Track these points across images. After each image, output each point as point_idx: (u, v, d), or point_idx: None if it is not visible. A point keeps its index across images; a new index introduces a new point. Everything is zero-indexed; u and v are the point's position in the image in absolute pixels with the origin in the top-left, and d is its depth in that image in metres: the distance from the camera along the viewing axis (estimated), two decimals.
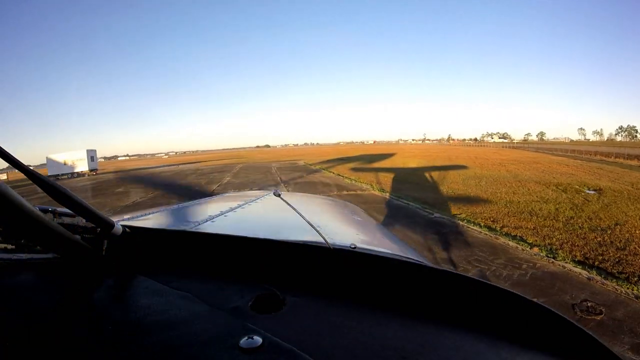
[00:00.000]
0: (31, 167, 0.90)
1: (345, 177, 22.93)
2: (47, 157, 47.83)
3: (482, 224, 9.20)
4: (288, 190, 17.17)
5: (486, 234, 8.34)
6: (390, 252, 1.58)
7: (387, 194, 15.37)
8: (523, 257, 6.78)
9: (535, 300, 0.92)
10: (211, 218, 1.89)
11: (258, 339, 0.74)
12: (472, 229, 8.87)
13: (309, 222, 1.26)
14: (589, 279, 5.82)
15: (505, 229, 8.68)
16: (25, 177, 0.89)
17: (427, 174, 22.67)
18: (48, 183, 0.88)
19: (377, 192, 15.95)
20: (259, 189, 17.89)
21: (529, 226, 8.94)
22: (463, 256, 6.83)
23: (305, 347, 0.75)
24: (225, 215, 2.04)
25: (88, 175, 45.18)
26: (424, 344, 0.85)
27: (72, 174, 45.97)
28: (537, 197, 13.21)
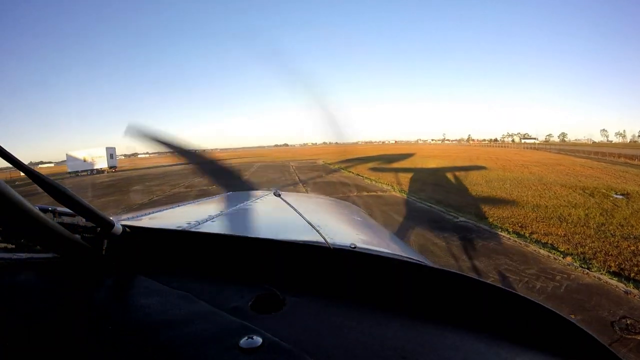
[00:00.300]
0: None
1: (365, 177, 22.73)
2: (66, 154, 48.76)
3: (510, 230, 8.92)
4: (306, 191, 17.09)
5: (515, 241, 8.07)
6: (390, 252, 1.57)
7: (409, 195, 15.16)
8: (556, 267, 6.51)
9: (535, 300, 0.93)
10: (211, 218, 1.88)
11: (258, 339, 0.74)
12: (500, 234, 8.60)
13: (309, 222, 1.28)
14: (626, 292, 5.55)
15: (534, 236, 8.38)
16: (25, 176, 0.88)
17: (449, 175, 22.37)
18: (48, 182, 0.88)
19: (398, 194, 15.73)
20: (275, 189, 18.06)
21: (559, 233, 8.65)
22: (493, 265, 6.58)
23: (305, 347, 0.75)
24: (226, 215, 2.05)
25: (107, 172, 45.76)
26: (424, 344, 0.85)
27: (92, 170, 46.72)
28: (564, 201, 12.85)
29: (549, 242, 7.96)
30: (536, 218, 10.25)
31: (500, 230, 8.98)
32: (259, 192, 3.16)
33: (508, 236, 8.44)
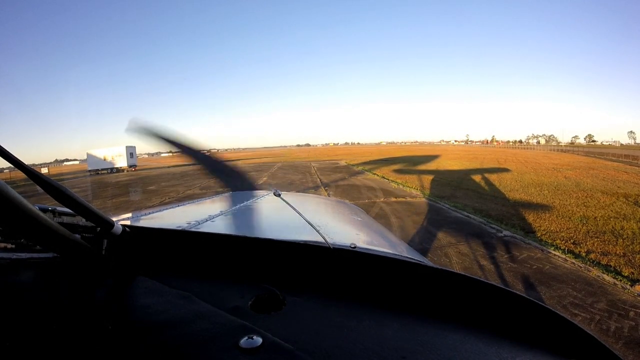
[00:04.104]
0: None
1: (391, 180, 21.88)
2: (87, 153, 50.36)
3: (563, 247, 7.89)
4: (329, 195, 16.39)
5: (573, 263, 7.04)
6: (390, 252, 1.57)
7: (442, 202, 14.16)
8: (627, 300, 5.50)
9: (535, 300, 0.93)
10: (211, 218, 1.88)
11: (258, 339, 0.73)
12: (553, 254, 7.57)
13: (309, 222, 1.32)
14: None
15: (592, 256, 7.34)
16: (26, 176, 0.87)
17: (479, 179, 21.37)
18: (48, 182, 0.87)
19: (428, 200, 14.78)
20: (299, 191, 17.35)
21: (617, 252, 7.60)
22: (555, 297, 5.59)
23: (305, 347, 0.75)
24: (225, 215, 2.04)
25: (127, 171, 46.77)
26: (424, 343, 0.84)
27: (112, 169, 47.98)
28: (611, 211, 11.72)
29: (611, 264, 6.92)
30: (588, 232, 9.18)
31: (552, 248, 7.94)
32: (259, 192, 3.17)
33: (563, 256, 7.42)
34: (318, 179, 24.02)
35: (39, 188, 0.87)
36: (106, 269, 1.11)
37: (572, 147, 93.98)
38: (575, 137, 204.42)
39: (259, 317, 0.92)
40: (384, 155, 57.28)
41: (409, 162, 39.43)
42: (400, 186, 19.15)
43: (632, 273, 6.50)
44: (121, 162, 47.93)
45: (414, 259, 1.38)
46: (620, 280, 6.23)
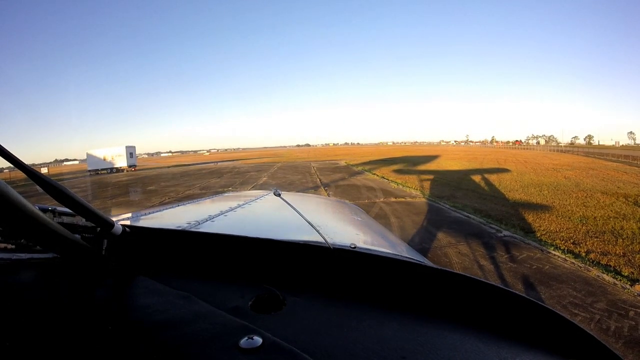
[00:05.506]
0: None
1: (391, 180, 21.86)
2: (87, 153, 50.14)
3: (563, 247, 7.89)
4: (329, 195, 16.38)
5: (573, 263, 7.03)
6: (390, 252, 1.56)
7: (441, 202, 14.16)
8: (627, 300, 5.49)
9: (535, 300, 0.93)
10: (211, 218, 1.88)
11: (258, 339, 0.73)
12: (553, 254, 7.57)
13: (309, 222, 1.31)
14: None
15: (591, 256, 7.33)
16: (26, 176, 0.87)
17: (479, 179, 21.33)
18: (48, 182, 0.87)
19: (428, 200, 14.77)
20: (299, 191, 17.35)
21: (617, 252, 7.59)
22: (555, 296, 5.59)
23: (305, 347, 0.75)
24: (225, 215, 2.04)
25: (127, 171, 46.85)
26: (424, 343, 0.84)
27: (111, 169, 48.03)
28: (611, 211, 11.70)
29: (611, 264, 6.91)
30: (587, 232, 9.17)
31: (551, 247, 7.95)
32: (259, 192, 3.16)
33: (563, 256, 7.42)
34: (318, 179, 24.05)
35: (38, 188, 0.86)
36: (106, 269, 1.10)
37: (572, 148, 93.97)
38: (575, 137, 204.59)
39: (259, 317, 0.92)
40: (383, 156, 57.36)
41: (408, 162, 39.48)
42: (400, 186, 19.15)
43: (632, 273, 6.49)
44: (121, 162, 48.05)
45: (414, 259, 1.37)
46: (620, 280, 6.23)
